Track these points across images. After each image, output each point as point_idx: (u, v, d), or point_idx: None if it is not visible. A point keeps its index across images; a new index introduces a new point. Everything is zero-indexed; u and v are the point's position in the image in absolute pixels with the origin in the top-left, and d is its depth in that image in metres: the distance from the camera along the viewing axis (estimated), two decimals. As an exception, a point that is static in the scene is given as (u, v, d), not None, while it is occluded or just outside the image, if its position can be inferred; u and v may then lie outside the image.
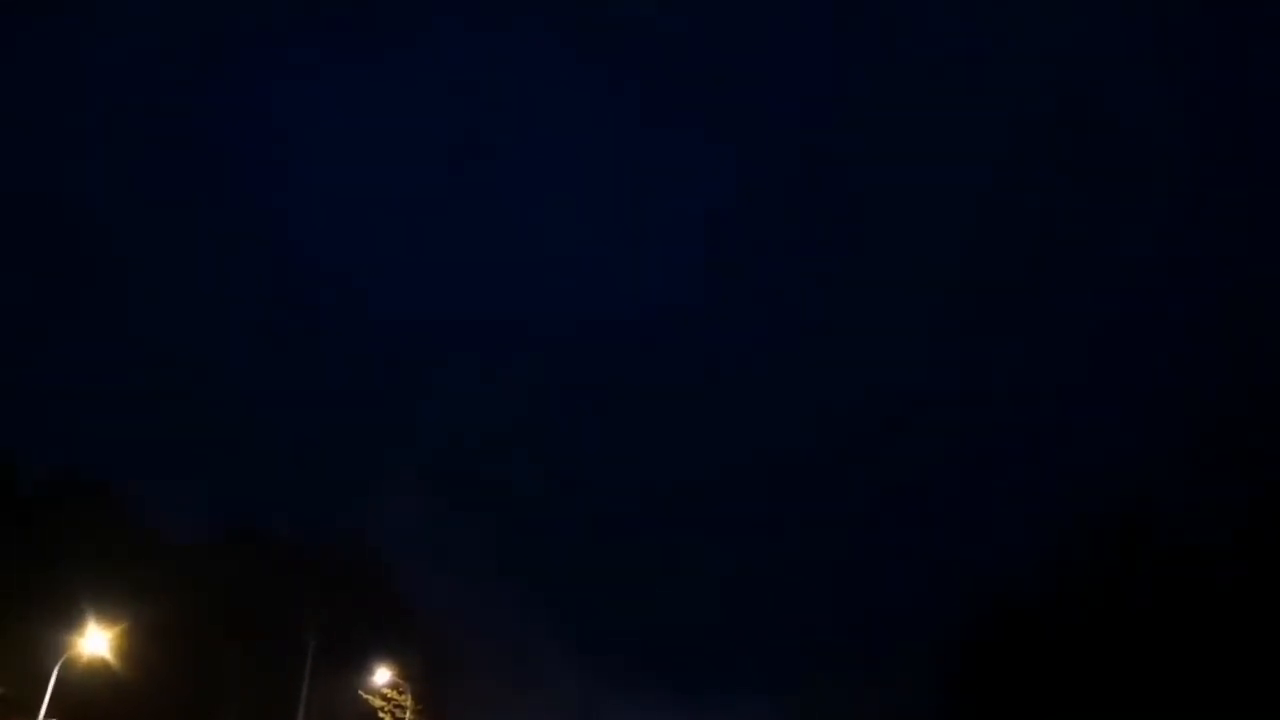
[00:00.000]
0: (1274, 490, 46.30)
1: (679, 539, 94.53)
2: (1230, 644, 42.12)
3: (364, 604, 52.64)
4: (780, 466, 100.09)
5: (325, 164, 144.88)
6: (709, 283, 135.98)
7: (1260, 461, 48.81)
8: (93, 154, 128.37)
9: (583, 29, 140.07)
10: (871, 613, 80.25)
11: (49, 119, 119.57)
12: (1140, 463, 58.30)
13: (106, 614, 31.44)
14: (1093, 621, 48.35)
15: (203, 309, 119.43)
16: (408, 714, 49.01)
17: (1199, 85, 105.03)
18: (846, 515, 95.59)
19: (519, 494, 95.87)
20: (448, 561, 69.29)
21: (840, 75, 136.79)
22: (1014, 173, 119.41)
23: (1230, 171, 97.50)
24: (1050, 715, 48.45)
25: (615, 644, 78.41)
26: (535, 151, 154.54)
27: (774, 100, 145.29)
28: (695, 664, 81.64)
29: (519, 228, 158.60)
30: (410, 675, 49.88)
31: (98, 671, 33.69)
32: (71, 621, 31.61)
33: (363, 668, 47.94)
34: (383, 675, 47.66)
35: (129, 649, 33.93)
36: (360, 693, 47.71)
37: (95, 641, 30.86)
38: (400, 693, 48.86)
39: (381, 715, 48.17)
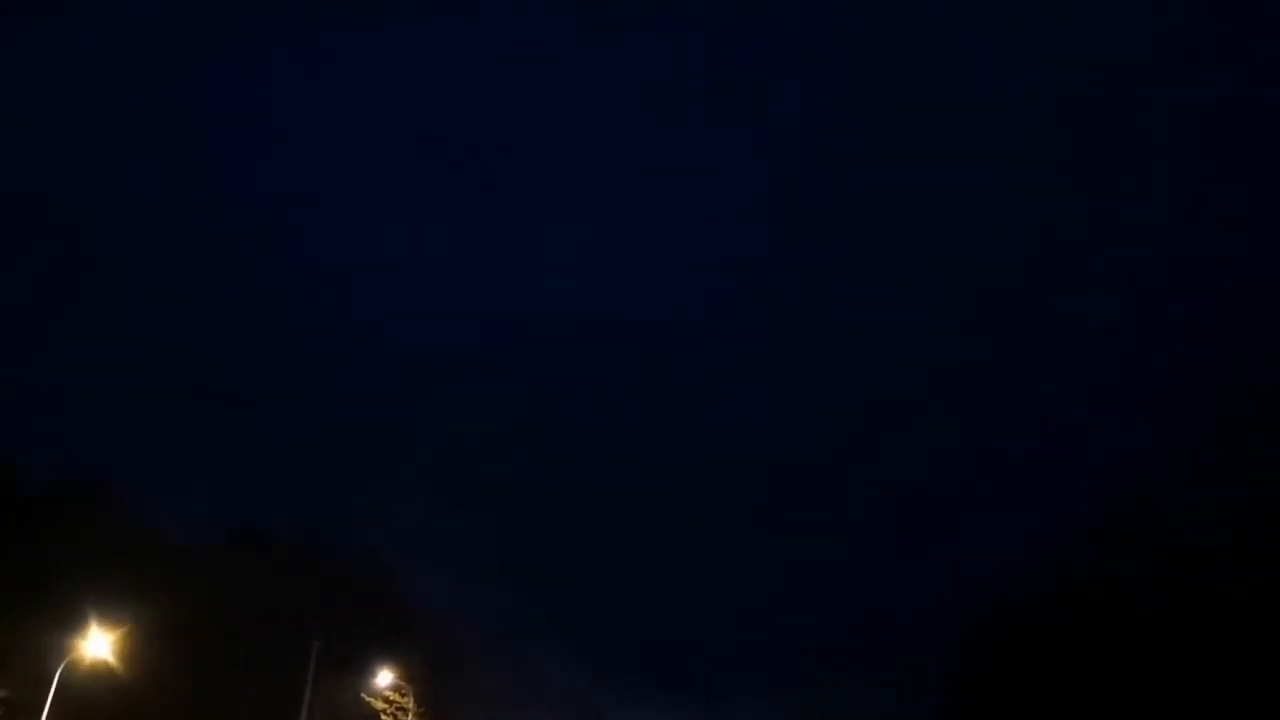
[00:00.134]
0: (1274, 490, 46.34)
1: (679, 539, 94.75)
2: (1231, 644, 42.16)
3: (365, 605, 52.62)
4: (780, 467, 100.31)
5: (325, 164, 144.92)
6: (709, 283, 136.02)
7: (1260, 461, 48.84)
8: (93, 154, 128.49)
9: (583, 29, 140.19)
10: (872, 613, 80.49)
11: (49, 119, 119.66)
12: (1140, 463, 58.32)
13: (108, 616, 31.40)
14: (1093, 622, 48.40)
15: (203, 309, 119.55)
16: (409, 716, 48.96)
17: (1199, 85, 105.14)
18: (847, 516, 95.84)
19: (519, 494, 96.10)
20: (448, 562, 69.43)
21: (841, 75, 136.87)
22: (1014, 173, 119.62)
23: (1230, 171, 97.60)
24: (1051, 716, 48.51)
25: (616, 644, 78.49)
26: (536, 151, 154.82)
27: (775, 100, 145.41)
28: (696, 664, 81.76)
29: (520, 228, 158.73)
30: (411, 676, 49.82)
31: (100, 674, 33.69)
32: (73, 624, 31.59)
33: (364, 669, 47.88)
34: (385, 677, 47.62)
35: (131, 651, 33.92)
36: (362, 695, 47.67)
37: (97, 644, 30.82)
38: (402, 695, 48.82)
39: (384, 718, 48.13)
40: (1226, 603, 43.44)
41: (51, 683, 29.41)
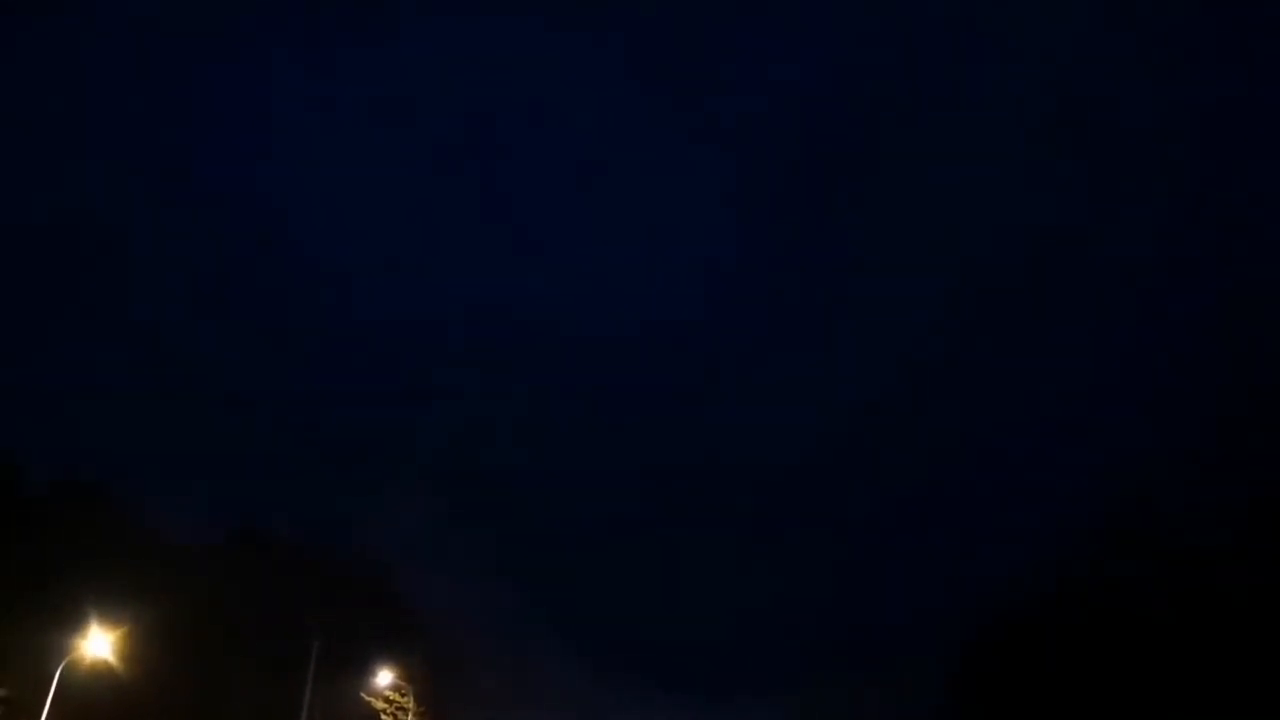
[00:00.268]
0: (1274, 490, 46.34)
1: (679, 539, 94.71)
2: (1231, 644, 42.15)
3: (365, 605, 52.61)
4: (781, 467, 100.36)
5: (325, 164, 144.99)
6: (709, 284, 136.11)
7: (1260, 461, 48.84)
8: (93, 154, 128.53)
9: (584, 29, 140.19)
10: (872, 613, 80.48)
11: (49, 119, 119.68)
12: (1141, 463, 58.34)
13: (108, 616, 31.41)
14: (1093, 622, 48.39)
15: (203, 309, 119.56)
16: (409, 716, 48.94)
17: (1199, 85, 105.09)
18: (847, 516, 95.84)
19: (519, 494, 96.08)
20: (448, 562, 69.45)
21: (842, 75, 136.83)
22: (1015, 173, 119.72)
23: (1230, 171, 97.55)
24: (1051, 716, 48.49)
25: (616, 645, 78.44)
26: (536, 151, 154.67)
27: (775, 101, 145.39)
28: (696, 664, 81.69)
29: (520, 228, 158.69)
30: (412, 676, 49.82)
31: (100, 674, 33.70)
32: (73, 624, 31.59)
33: (364, 669, 47.89)
34: (385, 677, 47.62)
35: (131, 651, 33.92)
36: (362, 695, 47.68)
37: (97, 644, 30.85)
38: (402, 695, 48.82)
39: (384, 718, 48.12)
40: (1226, 603, 43.43)
41: (51, 683, 29.42)
